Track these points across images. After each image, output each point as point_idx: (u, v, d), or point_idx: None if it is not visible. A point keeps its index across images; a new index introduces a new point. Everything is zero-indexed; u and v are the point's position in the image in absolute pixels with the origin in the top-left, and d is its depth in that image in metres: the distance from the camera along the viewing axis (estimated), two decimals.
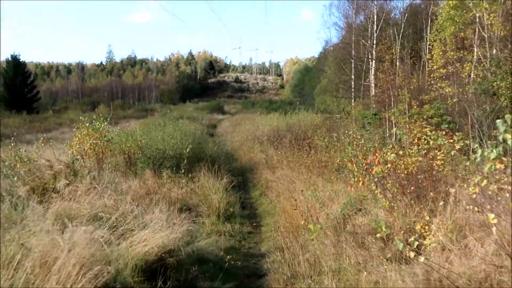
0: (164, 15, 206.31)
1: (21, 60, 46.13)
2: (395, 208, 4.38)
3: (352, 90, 28.08)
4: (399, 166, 4.67)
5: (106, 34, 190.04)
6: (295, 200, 5.39)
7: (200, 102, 73.84)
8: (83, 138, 8.90)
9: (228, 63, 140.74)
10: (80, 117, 9.33)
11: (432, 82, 13.52)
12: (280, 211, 7.58)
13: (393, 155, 4.66)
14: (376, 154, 4.92)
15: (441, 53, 13.49)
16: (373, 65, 23.20)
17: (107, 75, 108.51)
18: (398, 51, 15.58)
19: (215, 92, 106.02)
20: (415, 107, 12.90)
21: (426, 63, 21.02)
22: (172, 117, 18.56)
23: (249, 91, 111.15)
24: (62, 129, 30.48)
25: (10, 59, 45.52)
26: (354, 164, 5.37)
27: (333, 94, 29.91)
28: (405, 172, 4.66)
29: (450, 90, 12.61)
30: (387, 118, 14.07)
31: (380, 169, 4.63)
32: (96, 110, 50.67)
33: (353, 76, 27.72)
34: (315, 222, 4.85)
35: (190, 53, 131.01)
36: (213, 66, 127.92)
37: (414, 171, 4.78)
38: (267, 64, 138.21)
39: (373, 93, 23.16)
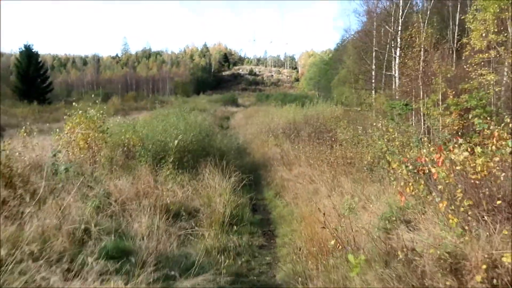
0: (179, 7, 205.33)
1: (34, 50, 45.67)
2: (470, 229, 3.07)
3: (373, 81, 26.46)
4: (470, 168, 3.32)
5: (122, 27, 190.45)
6: (320, 211, 4.10)
7: (214, 94, 72.97)
8: (74, 128, 7.79)
9: (242, 56, 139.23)
10: (74, 104, 8.21)
11: (470, 69, 11.94)
12: (299, 217, 6.32)
13: (465, 153, 3.32)
14: (441, 151, 3.57)
15: (481, 37, 11.90)
16: (398, 54, 21.56)
17: (122, 67, 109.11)
18: (430, 35, 14.05)
19: (229, 85, 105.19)
20: (451, 97, 11.41)
21: (454, 51, 19.30)
22: (184, 109, 17.48)
23: (263, 84, 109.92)
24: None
25: (23, 49, 45.16)
26: (402, 165, 4.04)
27: (352, 86, 28.32)
28: (478, 177, 3.31)
29: (492, 77, 11.07)
30: (413, 110, 12.60)
31: (444, 173, 3.31)
32: (108, 101, 50.34)
33: (374, 66, 26.08)
34: (352, 248, 3.57)
35: (205, 46, 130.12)
36: (227, 58, 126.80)
37: (486, 175, 3.44)
38: (282, 57, 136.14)
39: (397, 84, 21.56)
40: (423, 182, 3.69)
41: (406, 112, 11.51)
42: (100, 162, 7.64)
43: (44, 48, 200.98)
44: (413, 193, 3.88)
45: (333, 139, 9.41)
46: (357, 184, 6.43)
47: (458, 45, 17.34)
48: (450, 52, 17.56)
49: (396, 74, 21.99)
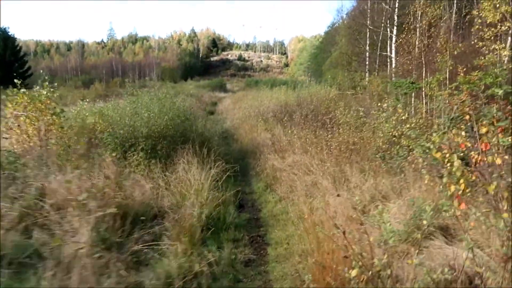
0: None
1: (10, 34, 43.24)
2: None
3: (367, 62, 25.24)
4: None
5: (108, 11, 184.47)
6: (338, 228, 2.82)
7: (202, 80, 71.13)
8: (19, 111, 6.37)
9: (231, 41, 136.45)
10: (16, 80, 6.75)
11: (481, 44, 10.74)
12: (295, 217, 5.08)
13: None
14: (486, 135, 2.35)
15: (493, 8, 10.66)
16: (395, 33, 20.29)
17: (108, 52, 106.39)
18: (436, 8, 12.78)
19: (217, 71, 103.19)
20: (461, 74, 10.21)
21: (461, 27, 18.03)
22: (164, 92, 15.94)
23: (252, 70, 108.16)
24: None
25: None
26: (453, 155, 2.77)
27: (345, 68, 27.01)
28: None
29: (508, 53, 9.88)
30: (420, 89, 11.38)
31: None
32: (91, 87, 48.31)
33: (367, 47, 24.82)
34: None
35: (193, 31, 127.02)
36: (216, 43, 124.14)
37: None
38: (271, 43, 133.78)
39: (393, 65, 20.36)
40: (495, 184, 2.46)
41: (412, 91, 10.28)
42: (51, 151, 6.25)
43: (27, 34, 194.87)
44: (472, 195, 2.65)
45: (332, 122, 8.11)
46: (367, 176, 5.19)
47: (466, 19, 16.07)
48: (457, 28, 16.32)
49: (393, 55, 20.80)
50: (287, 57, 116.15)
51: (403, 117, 6.98)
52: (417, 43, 12.78)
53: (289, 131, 8.50)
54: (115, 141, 7.16)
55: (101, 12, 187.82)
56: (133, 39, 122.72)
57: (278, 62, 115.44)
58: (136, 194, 5.10)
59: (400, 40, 14.69)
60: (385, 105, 7.94)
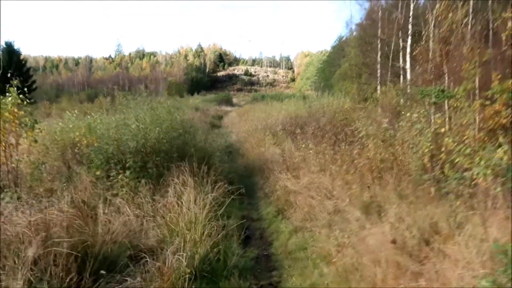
0: (174, 8, 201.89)
1: (15, 48, 43.08)
2: None
3: (378, 74, 24.24)
4: None
5: (116, 29, 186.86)
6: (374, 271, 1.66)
7: (208, 95, 70.73)
8: None
9: (238, 56, 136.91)
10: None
11: None
12: (318, 257, 3.91)
13: None
14: None
15: None
16: (409, 43, 19.26)
17: (115, 67, 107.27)
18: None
19: (224, 85, 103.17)
20: (496, 82, 9.06)
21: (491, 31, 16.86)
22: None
23: (259, 84, 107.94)
24: (51, 119, 27.28)
25: (4, 46, 42.56)
26: None
27: (355, 81, 25.96)
28: None
29: None
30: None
31: None
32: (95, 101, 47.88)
33: (379, 59, 23.84)
34: None
35: (199, 46, 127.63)
36: (222, 58, 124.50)
37: None
38: (277, 58, 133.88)
39: (408, 76, 19.29)
40: None
41: (441, 100, 9.11)
42: (17, 170, 5.18)
43: (37, 50, 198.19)
44: None
45: (354, 134, 6.87)
46: (412, 205, 4.00)
47: (494, 24, 15.00)
48: (484, 33, 15.19)
49: (407, 66, 19.75)
50: (293, 71, 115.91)
51: (443, 130, 5.84)
52: (438, 50, 11.71)
53: (303, 145, 7.34)
54: (99, 157, 6.09)
55: (109, 29, 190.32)
56: (141, 55, 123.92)
57: (284, 77, 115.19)
58: (115, 227, 3.96)
59: (419, 47, 13.65)
60: (415, 115, 6.81)
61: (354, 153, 5.85)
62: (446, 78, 11.88)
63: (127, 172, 5.66)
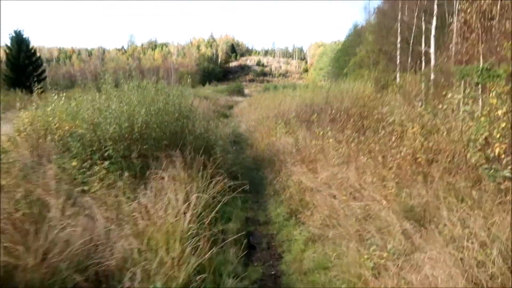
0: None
1: (24, 37, 42.57)
2: None
3: (398, 61, 22.78)
4: None
5: (129, 20, 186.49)
6: None
7: (220, 85, 69.79)
8: None
9: (250, 47, 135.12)
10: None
11: None
12: (348, 284, 2.78)
13: None
14: None
15: None
16: (434, 24, 17.76)
17: (128, 58, 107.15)
18: None
19: (236, 76, 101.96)
20: None
21: None
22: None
23: (271, 75, 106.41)
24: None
25: (13, 35, 42.12)
26: None
27: (373, 68, 24.49)
28: None
29: None
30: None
31: None
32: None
33: (398, 44, 22.35)
34: None
35: (212, 36, 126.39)
36: (235, 49, 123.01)
37: None
38: (290, 49, 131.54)
39: (432, 61, 17.84)
40: None
41: (486, 80, 7.82)
42: None
43: (52, 42, 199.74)
44: None
45: (385, 120, 5.61)
46: (477, 210, 2.82)
47: None
48: None
49: (432, 49, 18.28)
50: (306, 62, 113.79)
51: (497, 113, 4.62)
52: (478, 25, 10.30)
53: (321, 133, 6.15)
54: (75, 145, 5.05)
55: (122, 20, 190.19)
56: (153, 45, 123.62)
57: (297, 68, 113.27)
58: (70, 237, 2.90)
59: (460, 20, 12.15)
60: (459, 96, 5.59)
61: (391, 142, 4.65)
62: (481, 59, 10.50)
63: (106, 163, 4.62)
